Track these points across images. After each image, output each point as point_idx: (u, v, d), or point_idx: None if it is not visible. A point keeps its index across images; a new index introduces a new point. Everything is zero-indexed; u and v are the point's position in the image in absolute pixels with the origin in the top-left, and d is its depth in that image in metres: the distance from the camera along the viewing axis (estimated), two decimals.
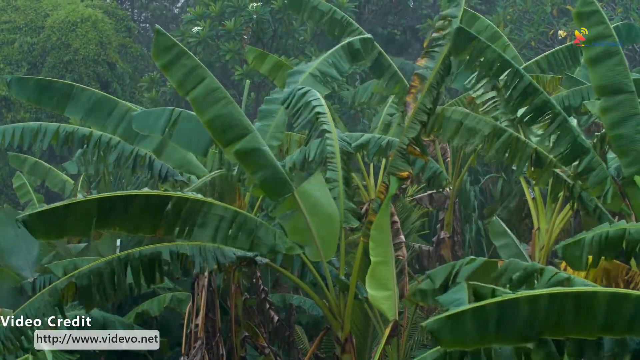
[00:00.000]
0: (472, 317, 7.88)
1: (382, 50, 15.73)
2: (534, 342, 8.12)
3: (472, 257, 10.01)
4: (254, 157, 10.80)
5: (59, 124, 14.00)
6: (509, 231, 13.27)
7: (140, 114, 12.47)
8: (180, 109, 12.34)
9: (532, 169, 11.73)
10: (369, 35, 14.63)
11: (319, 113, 11.28)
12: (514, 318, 7.93)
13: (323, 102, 11.46)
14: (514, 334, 7.98)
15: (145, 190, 10.37)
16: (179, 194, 10.35)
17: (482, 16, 16.88)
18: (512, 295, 8.00)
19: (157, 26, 10.91)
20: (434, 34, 10.93)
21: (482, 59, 11.23)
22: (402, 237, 11.91)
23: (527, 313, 7.92)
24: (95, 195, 9.98)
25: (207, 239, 10.47)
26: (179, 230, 10.27)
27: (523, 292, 8.05)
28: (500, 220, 13.51)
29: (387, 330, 10.77)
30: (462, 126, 12.06)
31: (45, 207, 9.78)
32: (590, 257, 9.52)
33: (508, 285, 9.30)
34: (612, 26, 15.19)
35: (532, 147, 11.67)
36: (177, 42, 11.01)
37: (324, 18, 15.76)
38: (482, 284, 8.50)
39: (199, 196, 10.52)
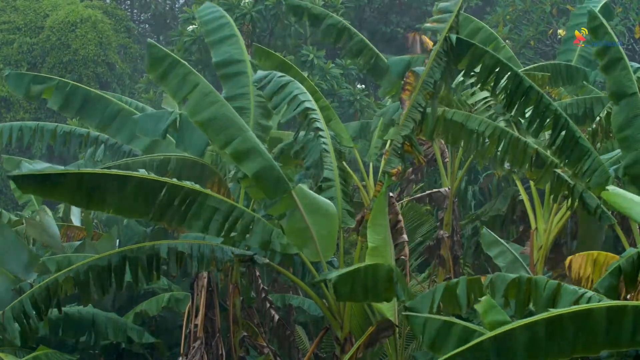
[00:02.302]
0: (470, 356, 7.90)
1: (379, 53, 15.61)
2: None
3: (455, 279, 10.02)
4: (250, 156, 10.81)
5: (56, 123, 14.03)
6: (500, 239, 13.31)
7: (142, 117, 12.50)
8: (180, 111, 12.38)
9: (532, 169, 11.75)
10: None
11: (308, 109, 11.22)
12: (513, 349, 7.93)
13: (310, 96, 11.43)
14: None
15: (141, 173, 10.36)
16: (173, 181, 10.31)
17: (475, 18, 16.84)
18: (507, 327, 7.99)
19: (149, 40, 11.08)
20: (426, 25, 10.96)
21: (480, 66, 11.29)
22: (405, 236, 11.89)
23: (526, 342, 7.92)
24: (90, 170, 9.96)
25: (198, 229, 10.45)
26: (171, 217, 10.22)
27: (519, 322, 8.05)
28: (489, 231, 13.55)
29: (371, 328, 10.78)
30: (464, 128, 12.06)
31: (39, 171, 9.76)
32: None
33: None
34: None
35: (532, 147, 11.69)
36: (169, 52, 11.20)
37: (322, 23, 15.71)
38: None
39: (196, 186, 10.50)
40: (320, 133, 11.19)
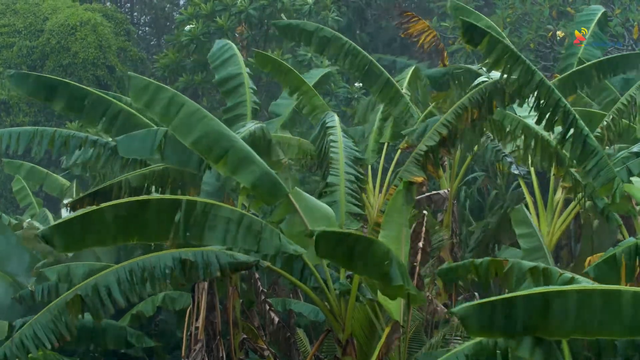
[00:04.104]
0: (501, 308, 7.95)
1: (374, 60, 15.58)
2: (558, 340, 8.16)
3: (479, 259, 10.06)
4: (244, 166, 10.85)
5: (55, 128, 14.08)
6: (533, 221, 13.10)
7: (123, 139, 12.49)
8: (164, 128, 12.36)
9: (558, 167, 11.99)
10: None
11: (328, 127, 12.07)
12: (543, 313, 7.97)
13: (336, 119, 12.21)
14: (542, 328, 8.03)
15: (155, 195, 10.40)
16: (187, 197, 10.37)
17: (485, 17, 16.98)
18: (540, 290, 8.04)
19: (130, 72, 11.15)
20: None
21: (494, 55, 11.47)
22: (420, 244, 12.01)
23: (557, 309, 7.97)
24: (110, 203, 9.96)
25: (217, 241, 10.48)
26: (190, 234, 10.25)
27: (553, 287, 8.11)
28: (525, 209, 13.37)
29: (387, 330, 10.78)
30: (502, 127, 12.68)
31: (62, 219, 9.80)
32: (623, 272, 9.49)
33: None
34: (595, 21, 15.48)
35: (552, 146, 11.89)
36: (151, 80, 11.30)
37: (313, 37, 15.70)
38: None
39: (207, 200, 10.55)
40: (332, 144, 11.49)
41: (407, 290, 10.15)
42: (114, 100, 13.58)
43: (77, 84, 13.58)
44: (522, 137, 12.40)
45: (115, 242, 10.21)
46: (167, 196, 10.37)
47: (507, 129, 12.63)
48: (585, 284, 8.80)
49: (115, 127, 13.32)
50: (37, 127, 14.05)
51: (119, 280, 10.35)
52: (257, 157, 11.04)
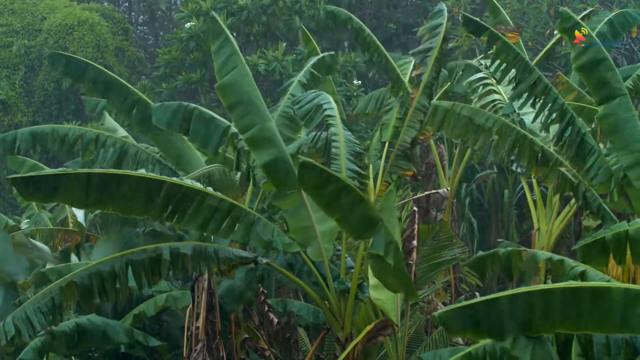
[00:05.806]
0: (484, 309, 7.95)
1: (388, 56, 15.69)
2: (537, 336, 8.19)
3: (503, 249, 10.12)
4: (264, 146, 10.88)
5: (69, 126, 14.32)
6: None
7: (158, 108, 12.61)
8: (194, 105, 12.43)
9: (538, 167, 11.86)
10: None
11: (328, 116, 11.52)
12: (528, 311, 7.98)
13: (334, 105, 11.68)
14: (528, 326, 8.05)
15: (140, 172, 10.35)
16: (173, 179, 10.31)
17: (502, 10, 17.09)
18: (525, 289, 8.07)
19: (213, 13, 11.38)
20: (423, 45, 11.32)
21: (493, 50, 11.49)
22: (415, 242, 11.97)
23: (542, 308, 7.98)
24: (87, 170, 9.96)
25: (197, 227, 10.46)
26: (168, 215, 10.19)
27: (538, 286, 8.13)
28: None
29: (370, 326, 10.77)
30: (471, 123, 12.27)
31: (37, 173, 9.83)
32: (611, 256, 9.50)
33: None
34: (604, 21, 15.34)
35: (538, 145, 11.80)
36: (226, 30, 11.45)
37: (359, 37, 15.84)
38: None
39: (196, 184, 10.48)
40: (334, 137, 11.34)
41: (393, 266, 9.95)
42: (132, 88, 13.92)
43: (103, 69, 14.19)
44: (497, 135, 12.12)
45: (87, 207, 10.26)
46: (149, 175, 10.28)
47: (480, 125, 12.30)
48: (593, 276, 8.84)
49: (133, 112, 13.73)
50: (52, 127, 14.32)
51: (113, 270, 10.31)
52: (282, 142, 11.04)
